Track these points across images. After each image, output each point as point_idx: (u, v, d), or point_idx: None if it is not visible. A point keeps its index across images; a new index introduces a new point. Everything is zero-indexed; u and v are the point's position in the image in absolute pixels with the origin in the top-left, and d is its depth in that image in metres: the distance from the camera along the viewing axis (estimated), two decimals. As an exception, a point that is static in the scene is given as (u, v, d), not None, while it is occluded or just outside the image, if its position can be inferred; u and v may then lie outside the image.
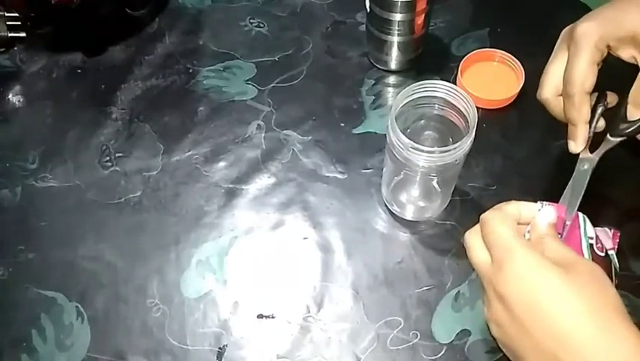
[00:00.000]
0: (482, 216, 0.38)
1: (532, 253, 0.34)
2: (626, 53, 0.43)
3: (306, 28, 0.72)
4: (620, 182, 0.57)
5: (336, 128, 0.64)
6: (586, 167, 0.45)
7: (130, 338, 0.52)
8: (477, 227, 0.39)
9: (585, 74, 0.43)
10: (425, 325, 0.52)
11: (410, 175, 0.50)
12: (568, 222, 0.41)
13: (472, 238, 0.38)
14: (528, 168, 0.59)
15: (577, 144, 0.44)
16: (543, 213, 0.38)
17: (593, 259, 0.40)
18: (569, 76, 0.43)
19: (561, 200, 0.43)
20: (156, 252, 0.57)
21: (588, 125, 0.44)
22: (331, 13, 0.73)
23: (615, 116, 0.45)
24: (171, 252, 0.57)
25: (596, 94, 0.45)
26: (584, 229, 0.41)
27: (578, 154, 0.45)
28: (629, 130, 0.44)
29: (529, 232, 0.39)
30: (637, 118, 0.43)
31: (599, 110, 0.45)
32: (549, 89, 0.46)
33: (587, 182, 0.44)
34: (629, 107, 0.43)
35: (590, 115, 0.44)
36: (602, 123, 0.46)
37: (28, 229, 0.59)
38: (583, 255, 0.40)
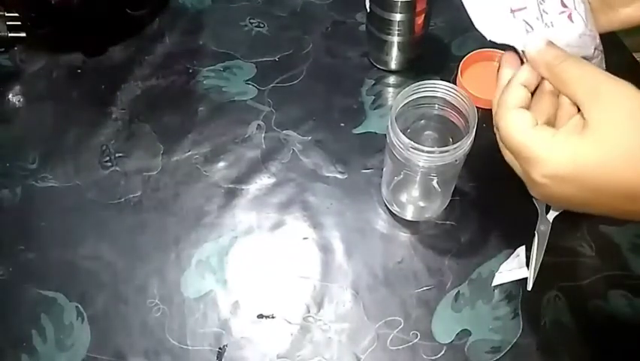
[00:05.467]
0: (495, 123, 0.36)
1: (558, 153, 0.32)
2: None
3: (306, 28, 0.72)
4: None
5: (336, 128, 0.64)
6: (543, 228, 0.53)
7: (130, 338, 0.52)
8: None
9: None
10: (425, 325, 0.52)
11: (410, 175, 0.50)
12: None
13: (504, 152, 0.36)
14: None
15: None
16: (531, 43, 0.35)
17: None
18: None
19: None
20: (156, 252, 0.57)
21: None
22: (331, 13, 0.73)
23: None
24: (171, 252, 0.57)
25: None
26: None
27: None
28: None
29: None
30: None
31: None
32: None
33: (547, 239, 0.53)
34: None
35: None
36: None
37: (28, 229, 0.59)
38: None
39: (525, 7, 0.37)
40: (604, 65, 0.41)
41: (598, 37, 0.39)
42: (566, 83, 0.33)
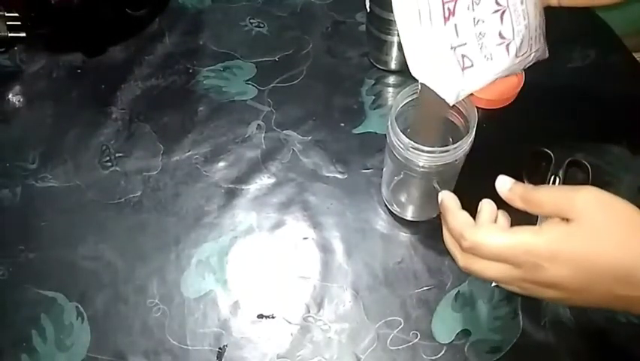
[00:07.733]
0: (472, 244, 0.36)
1: (547, 234, 0.34)
2: None
3: (306, 28, 0.72)
4: (619, 182, 0.57)
5: (336, 128, 0.64)
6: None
7: (130, 338, 0.52)
8: (469, 260, 0.38)
9: None
10: (425, 325, 0.52)
11: (410, 175, 0.50)
12: None
13: (488, 268, 0.37)
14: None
15: None
16: (500, 183, 0.38)
17: None
18: None
19: None
20: (156, 252, 0.57)
21: None
22: (331, 13, 0.73)
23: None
24: (171, 252, 0.57)
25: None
26: None
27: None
28: None
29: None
30: None
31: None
32: None
33: None
34: None
35: None
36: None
37: (28, 229, 0.59)
38: None
39: (465, 43, 0.39)
40: (547, 55, 0.45)
41: (535, 38, 0.41)
42: (542, 204, 0.36)
